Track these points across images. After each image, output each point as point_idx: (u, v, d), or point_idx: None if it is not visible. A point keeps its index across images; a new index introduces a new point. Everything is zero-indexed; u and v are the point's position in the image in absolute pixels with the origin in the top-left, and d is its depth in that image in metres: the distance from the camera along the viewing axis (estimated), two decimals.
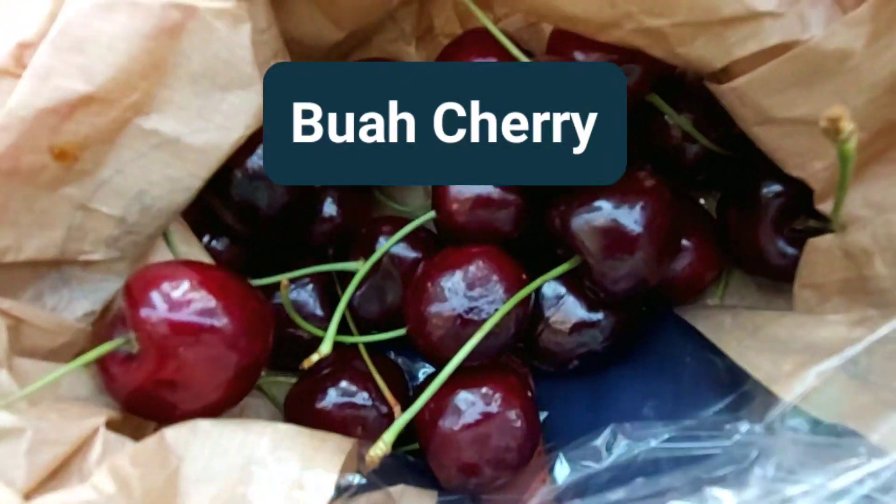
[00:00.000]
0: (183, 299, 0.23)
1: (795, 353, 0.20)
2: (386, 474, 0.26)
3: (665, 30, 0.23)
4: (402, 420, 0.25)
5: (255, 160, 0.28)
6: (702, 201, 0.34)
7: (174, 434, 0.21)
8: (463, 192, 0.29)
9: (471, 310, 0.27)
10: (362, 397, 0.29)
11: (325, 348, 0.27)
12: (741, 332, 0.24)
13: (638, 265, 0.27)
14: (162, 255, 0.27)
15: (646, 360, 0.30)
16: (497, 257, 0.28)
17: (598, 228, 0.27)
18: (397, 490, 0.26)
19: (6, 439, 0.19)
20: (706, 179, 0.33)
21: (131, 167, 0.24)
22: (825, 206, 0.24)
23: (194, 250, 0.28)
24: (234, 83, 0.25)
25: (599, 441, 0.24)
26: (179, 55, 0.23)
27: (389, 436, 0.24)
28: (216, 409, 0.24)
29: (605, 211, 0.27)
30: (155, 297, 0.23)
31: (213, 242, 0.31)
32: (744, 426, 0.21)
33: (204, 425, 0.22)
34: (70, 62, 0.21)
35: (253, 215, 0.29)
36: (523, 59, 0.26)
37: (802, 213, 0.27)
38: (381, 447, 0.24)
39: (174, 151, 0.24)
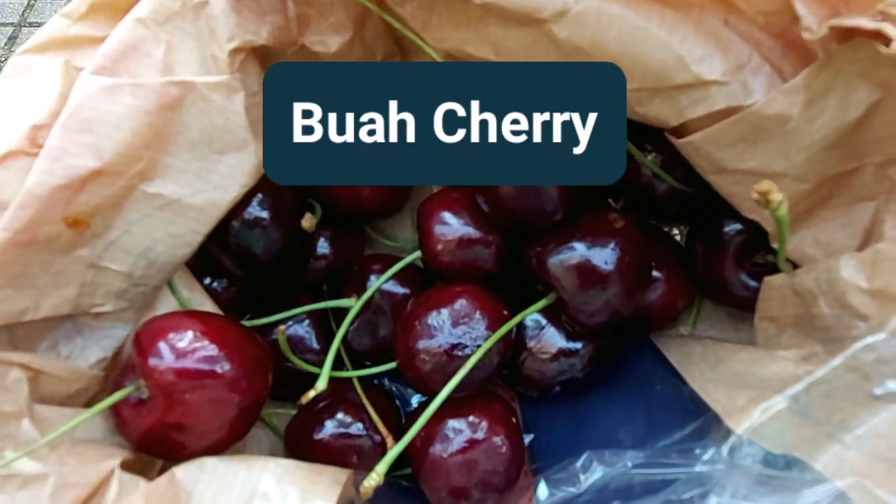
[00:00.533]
0: (188, 348, 0.25)
1: (748, 388, 0.22)
2: (381, 498, 0.28)
3: None
4: (393, 452, 0.27)
5: (252, 210, 0.30)
6: (676, 232, 0.36)
7: (183, 472, 0.23)
8: (446, 233, 0.31)
9: (456, 346, 0.29)
10: (357, 428, 0.31)
11: (321, 384, 0.29)
12: (705, 364, 0.26)
13: (610, 300, 0.29)
14: (167, 301, 0.29)
15: (622, 386, 0.32)
16: (479, 295, 0.30)
17: (572, 267, 0.29)
18: None
19: (31, 485, 0.21)
20: (678, 212, 0.35)
21: (137, 227, 0.26)
22: (777, 246, 0.26)
23: (196, 295, 0.30)
24: (230, 146, 0.27)
25: (578, 466, 0.26)
26: (179, 125, 0.25)
27: (382, 467, 0.26)
28: (221, 446, 0.26)
29: (578, 251, 0.29)
30: (162, 347, 0.25)
31: (214, 284, 0.33)
32: (707, 452, 0.23)
33: (210, 463, 0.24)
34: (80, 142, 0.23)
35: (250, 260, 0.31)
36: None
37: (762, 249, 0.29)
38: (374, 478, 0.26)
39: (176, 211, 0.26)
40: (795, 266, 0.26)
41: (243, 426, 0.27)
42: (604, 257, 0.29)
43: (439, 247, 0.31)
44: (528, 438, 0.34)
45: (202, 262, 0.32)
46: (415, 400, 0.37)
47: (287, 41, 0.28)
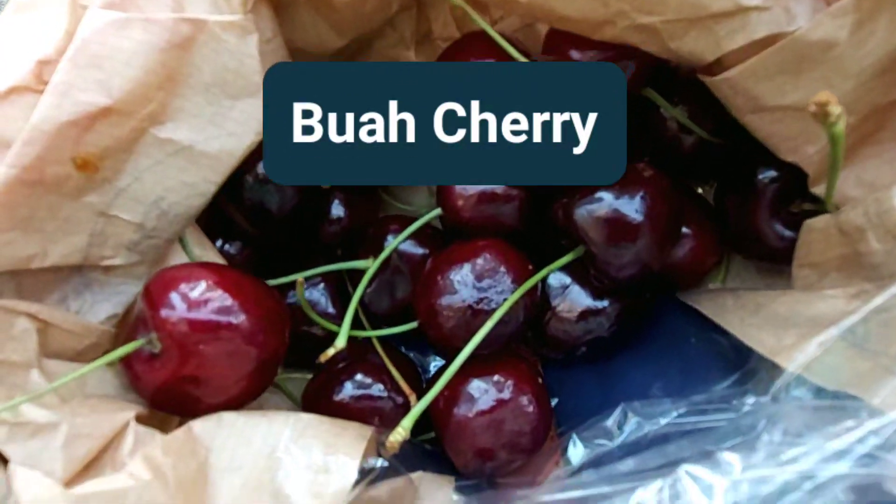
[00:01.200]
0: (201, 299, 0.24)
1: (796, 327, 0.21)
2: (405, 461, 0.27)
3: (657, 26, 0.24)
4: (419, 406, 0.26)
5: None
6: (699, 191, 0.35)
7: (201, 426, 0.22)
8: (468, 188, 0.30)
9: (480, 300, 0.28)
10: (378, 389, 0.30)
11: (341, 342, 0.28)
12: (743, 311, 0.25)
13: (640, 252, 0.28)
14: (178, 258, 0.28)
15: (652, 343, 0.30)
16: (504, 249, 0.29)
17: (601, 219, 0.27)
18: (416, 476, 0.27)
19: (42, 434, 0.20)
20: (703, 169, 0.34)
21: (149, 175, 0.24)
22: (819, 189, 0.25)
23: (209, 253, 0.29)
24: (244, 91, 0.25)
25: (611, 421, 0.25)
26: (191, 67, 0.24)
27: (408, 421, 0.25)
28: (238, 403, 0.25)
29: (606, 201, 0.27)
30: (174, 297, 0.23)
31: (226, 246, 0.32)
32: (750, 399, 0.22)
33: (229, 417, 0.23)
34: (89, 77, 0.22)
35: (264, 218, 0.30)
36: (521, 59, 0.27)
37: (797, 196, 0.28)
38: (400, 432, 0.25)
39: (189, 158, 0.25)
40: (836, 210, 0.25)
41: (260, 382, 0.26)
42: (633, 207, 0.27)
43: (460, 202, 0.30)
44: (552, 403, 0.33)
45: (214, 223, 0.30)
46: (433, 367, 0.35)
47: None
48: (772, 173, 0.28)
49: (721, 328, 0.26)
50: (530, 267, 0.29)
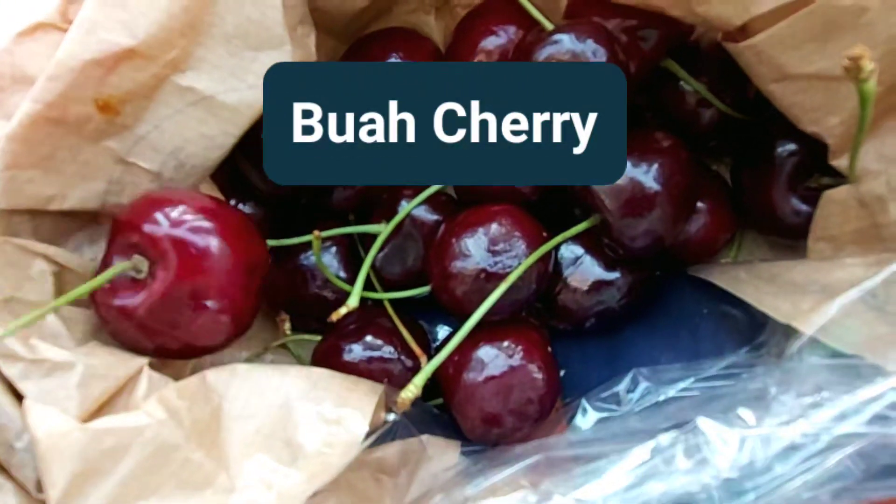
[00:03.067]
0: (182, 218, 0.23)
1: (814, 294, 0.21)
2: (414, 422, 0.27)
3: None
4: (431, 365, 0.26)
5: None
6: (715, 168, 0.35)
7: (214, 375, 0.22)
8: None
9: (494, 265, 0.28)
10: (388, 351, 0.30)
11: (353, 301, 0.28)
12: (758, 281, 0.25)
13: (655, 223, 0.28)
14: None
15: (662, 316, 0.30)
16: (518, 215, 0.29)
17: (617, 186, 0.27)
18: (424, 438, 0.27)
19: (58, 373, 0.20)
20: (718, 146, 0.33)
21: (168, 123, 0.24)
22: (839, 162, 0.25)
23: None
24: (266, 44, 0.25)
25: (621, 387, 0.25)
26: (214, 15, 0.24)
27: (420, 379, 0.25)
28: (238, 322, 0.24)
29: (625, 173, 0.27)
30: (158, 216, 0.23)
31: (240, 205, 0.32)
32: (762, 366, 0.22)
33: (242, 368, 0.23)
34: (114, 17, 0.21)
35: None
36: (546, 23, 0.27)
37: (815, 171, 0.28)
38: (411, 389, 0.25)
39: (208, 109, 0.25)
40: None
41: (254, 289, 0.25)
42: (651, 176, 0.27)
43: None
44: (560, 374, 0.33)
45: (229, 182, 0.30)
46: (442, 335, 0.35)
47: None
48: (790, 147, 0.28)
49: (732, 301, 0.26)
50: (545, 234, 0.29)
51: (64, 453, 0.18)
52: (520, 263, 0.27)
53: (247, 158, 0.29)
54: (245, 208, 0.32)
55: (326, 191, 0.33)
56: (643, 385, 0.24)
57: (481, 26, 0.32)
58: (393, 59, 0.32)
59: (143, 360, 0.22)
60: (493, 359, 0.29)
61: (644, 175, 0.27)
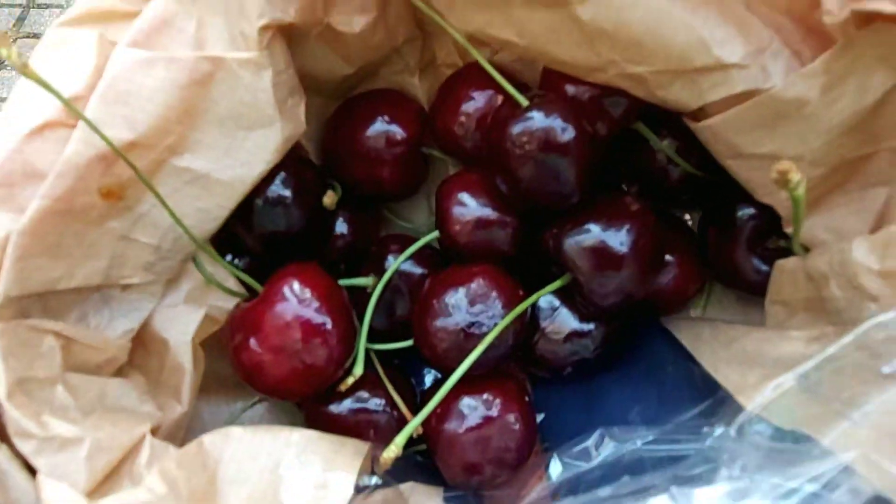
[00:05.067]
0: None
1: (760, 367, 0.23)
2: (397, 473, 0.29)
3: (645, 75, 0.25)
4: (411, 425, 0.27)
5: (275, 189, 0.30)
6: (687, 217, 0.37)
7: (211, 440, 0.24)
8: (464, 214, 0.32)
9: (472, 324, 0.30)
10: (375, 403, 0.32)
11: (358, 370, 0.30)
12: (716, 344, 0.27)
13: (624, 282, 0.29)
14: (192, 276, 0.30)
15: (633, 367, 0.32)
16: (496, 275, 0.31)
17: (588, 249, 0.29)
18: (407, 487, 0.29)
19: (68, 448, 0.22)
20: (688, 200, 0.35)
21: (167, 201, 0.26)
22: (790, 230, 0.27)
23: (219, 269, 0.31)
24: (257, 123, 0.27)
25: (590, 442, 0.27)
26: (209, 101, 0.26)
27: (401, 439, 0.27)
28: None
29: (593, 233, 0.29)
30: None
31: (235, 260, 0.33)
32: (717, 430, 0.24)
33: (236, 432, 0.25)
34: (116, 114, 0.23)
35: (273, 238, 0.31)
36: (520, 98, 0.29)
37: (774, 234, 0.30)
38: (392, 450, 0.27)
39: (204, 186, 0.27)
40: (807, 250, 0.27)
41: None
42: (619, 239, 0.29)
43: (457, 227, 0.32)
44: (539, 418, 0.35)
45: (224, 239, 0.32)
46: (428, 380, 0.37)
47: (313, 20, 0.29)
48: (750, 211, 0.30)
49: (695, 357, 0.28)
50: (521, 293, 0.31)
51: None
52: (497, 323, 0.29)
53: (241, 223, 0.31)
54: (240, 263, 0.34)
55: (318, 245, 0.35)
56: (609, 444, 0.26)
57: (462, 90, 0.34)
58: (380, 121, 0.34)
59: (144, 428, 0.24)
60: (473, 410, 0.31)
61: (612, 238, 0.29)
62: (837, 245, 0.23)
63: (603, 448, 0.26)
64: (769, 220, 0.29)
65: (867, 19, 0.20)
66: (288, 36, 0.29)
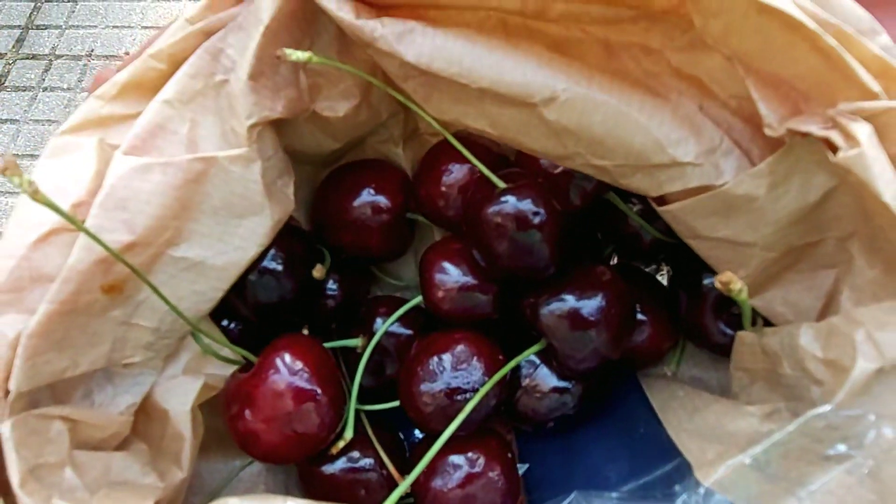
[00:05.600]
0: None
1: (717, 442, 0.25)
2: None
3: (608, 167, 0.27)
4: (399, 490, 0.29)
5: (266, 264, 0.32)
6: (664, 272, 0.39)
7: None
8: (447, 282, 0.34)
9: (455, 389, 0.31)
10: (365, 463, 0.34)
11: (349, 434, 0.32)
12: (682, 412, 0.28)
13: (598, 347, 0.31)
14: (190, 347, 0.31)
15: (609, 423, 0.34)
16: (477, 341, 0.32)
17: (562, 317, 0.31)
18: None
19: None
20: (664, 258, 0.37)
21: (164, 288, 0.28)
22: (754, 302, 0.28)
23: (215, 334, 0.32)
24: (248, 211, 0.29)
25: None
26: (203, 195, 0.27)
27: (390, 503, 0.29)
28: None
29: (567, 303, 0.31)
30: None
31: (231, 325, 0.35)
32: (683, 495, 0.26)
33: (232, 502, 0.26)
34: (116, 219, 0.25)
35: (265, 308, 0.33)
36: (492, 176, 0.30)
37: None
38: None
39: (200, 272, 0.29)
40: (767, 323, 0.28)
41: None
42: (591, 308, 0.31)
43: (440, 294, 0.34)
44: (523, 468, 0.37)
45: (219, 308, 0.34)
46: (418, 433, 0.39)
47: (300, 110, 0.31)
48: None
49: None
50: (501, 357, 0.32)
51: None
52: (478, 388, 0.31)
53: (234, 295, 0.32)
54: (234, 327, 0.36)
55: (310, 309, 0.37)
56: None
57: (443, 162, 0.36)
58: (366, 191, 0.36)
59: (149, 502, 0.26)
60: (458, 468, 0.32)
61: (585, 307, 0.31)
62: (788, 328, 0.25)
63: None
64: None
65: (803, 133, 0.22)
66: (277, 123, 0.31)
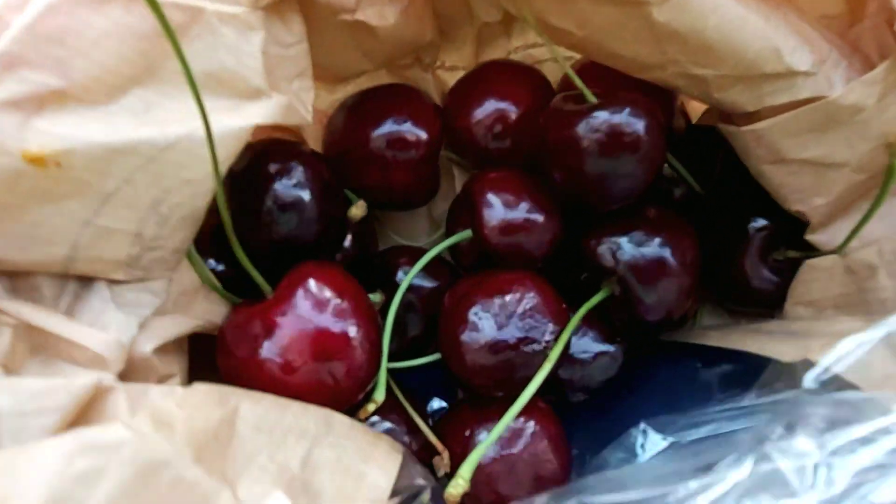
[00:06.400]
0: None
1: (820, 337, 0.22)
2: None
3: (708, 77, 0.25)
4: (474, 455, 0.23)
5: (290, 190, 0.24)
6: None
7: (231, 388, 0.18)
8: (503, 213, 0.28)
9: (523, 340, 0.26)
10: (399, 431, 0.26)
11: (380, 396, 0.24)
12: (755, 334, 0.26)
13: (674, 296, 0.28)
14: (189, 273, 0.22)
15: (654, 381, 0.31)
16: (541, 285, 0.27)
17: (647, 259, 0.27)
18: None
19: None
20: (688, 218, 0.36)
21: (141, 174, 0.19)
22: (816, 237, 0.28)
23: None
24: (242, 94, 0.21)
25: (632, 438, 0.24)
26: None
27: (467, 472, 0.22)
28: None
29: (652, 243, 0.28)
30: None
31: (220, 267, 0.26)
32: (776, 394, 0.22)
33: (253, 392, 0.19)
34: (44, 52, 0.17)
35: (281, 248, 0.25)
36: (587, 93, 0.27)
37: (783, 245, 0.31)
38: (461, 484, 0.22)
39: (187, 150, 0.20)
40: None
41: None
42: (678, 252, 0.28)
43: (495, 224, 0.28)
44: None
45: (202, 241, 0.25)
46: (436, 404, 0.32)
47: (340, 5, 0.24)
48: (762, 222, 0.31)
49: (717, 358, 0.27)
50: (564, 305, 0.27)
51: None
52: (549, 340, 0.26)
53: (244, 219, 0.24)
54: (222, 267, 0.27)
55: (328, 255, 0.29)
56: (654, 436, 0.23)
57: (484, 89, 0.31)
58: (394, 120, 0.29)
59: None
60: (509, 436, 0.27)
61: (670, 251, 0.28)
62: (886, 236, 0.24)
63: (647, 443, 0.24)
64: (778, 232, 0.31)
65: None
66: (307, 18, 0.24)
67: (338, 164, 0.29)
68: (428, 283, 0.30)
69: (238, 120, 0.21)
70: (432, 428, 0.28)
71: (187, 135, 0.20)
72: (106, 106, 0.18)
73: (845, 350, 0.20)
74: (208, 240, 0.25)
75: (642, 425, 0.25)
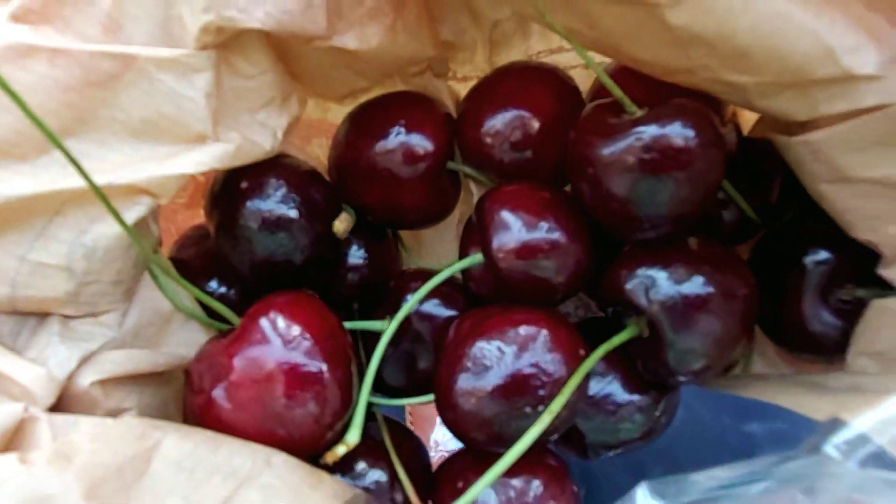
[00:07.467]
0: None
1: (866, 394, 0.18)
2: None
3: (747, 85, 0.21)
4: None
5: (274, 207, 0.23)
6: None
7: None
8: (516, 235, 0.24)
9: (524, 383, 0.22)
10: (373, 481, 0.23)
11: (353, 437, 0.21)
12: (795, 388, 0.22)
13: (716, 346, 0.23)
14: (152, 295, 0.21)
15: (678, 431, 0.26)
16: (553, 322, 0.23)
17: (692, 298, 0.23)
18: None
19: None
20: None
21: (70, 207, 0.18)
22: (889, 272, 0.23)
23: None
24: (182, 139, 0.20)
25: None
26: (114, 108, 0.19)
27: None
28: None
29: (695, 280, 0.23)
30: None
31: (221, 290, 0.25)
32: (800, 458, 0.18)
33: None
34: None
35: (268, 269, 0.23)
36: (627, 102, 0.23)
37: (845, 282, 0.26)
38: None
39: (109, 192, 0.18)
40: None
41: None
42: (728, 295, 0.23)
43: (510, 247, 0.24)
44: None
45: (207, 262, 0.24)
46: (433, 440, 0.29)
47: (304, 32, 0.22)
48: (824, 255, 0.26)
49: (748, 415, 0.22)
50: (582, 349, 0.23)
51: None
52: (556, 386, 0.22)
53: (228, 242, 0.23)
54: (227, 290, 0.26)
55: (327, 280, 0.27)
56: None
57: (502, 97, 0.27)
58: (397, 132, 0.27)
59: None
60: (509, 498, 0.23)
61: (717, 291, 0.23)
62: None
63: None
64: (843, 266, 0.26)
65: None
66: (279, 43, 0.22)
67: (341, 180, 0.27)
68: (442, 313, 0.27)
69: (172, 168, 0.19)
70: (434, 476, 0.25)
71: (108, 183, 0.19)
72: (35, 159, 0.18)
73: (890, 413, 0.16)
74: (208, 263, 0.24)
75: (645, 485, 0.21)
